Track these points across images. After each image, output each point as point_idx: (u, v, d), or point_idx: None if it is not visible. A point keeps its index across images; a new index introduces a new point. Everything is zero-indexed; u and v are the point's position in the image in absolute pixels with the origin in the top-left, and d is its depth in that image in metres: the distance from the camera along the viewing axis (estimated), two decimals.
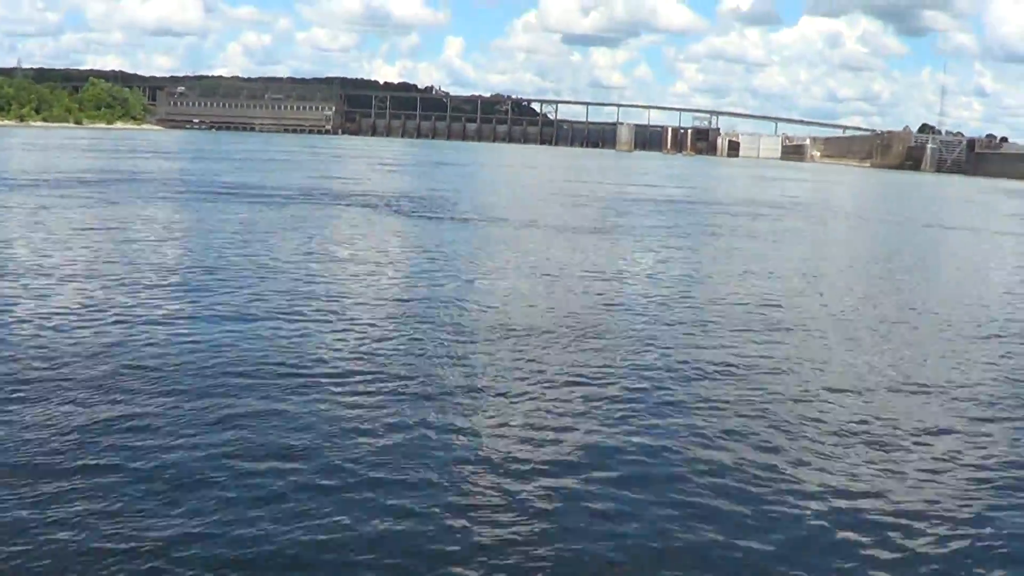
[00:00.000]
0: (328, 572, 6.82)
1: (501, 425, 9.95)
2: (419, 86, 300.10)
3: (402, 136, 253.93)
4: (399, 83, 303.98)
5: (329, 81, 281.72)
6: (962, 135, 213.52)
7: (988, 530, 8.00)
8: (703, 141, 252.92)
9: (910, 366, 13.68)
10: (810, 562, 7.30)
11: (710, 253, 27.51)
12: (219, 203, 35.36)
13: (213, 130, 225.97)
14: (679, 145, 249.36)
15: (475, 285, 18.81)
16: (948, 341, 15.76)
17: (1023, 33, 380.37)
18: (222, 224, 28.27)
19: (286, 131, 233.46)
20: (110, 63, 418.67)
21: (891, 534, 7.79)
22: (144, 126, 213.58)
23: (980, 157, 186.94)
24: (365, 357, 12.38)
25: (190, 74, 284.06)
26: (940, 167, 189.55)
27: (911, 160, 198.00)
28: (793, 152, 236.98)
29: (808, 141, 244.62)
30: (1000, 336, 16.35)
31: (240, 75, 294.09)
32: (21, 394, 10.11)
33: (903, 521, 8.03)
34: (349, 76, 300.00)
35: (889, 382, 12.59)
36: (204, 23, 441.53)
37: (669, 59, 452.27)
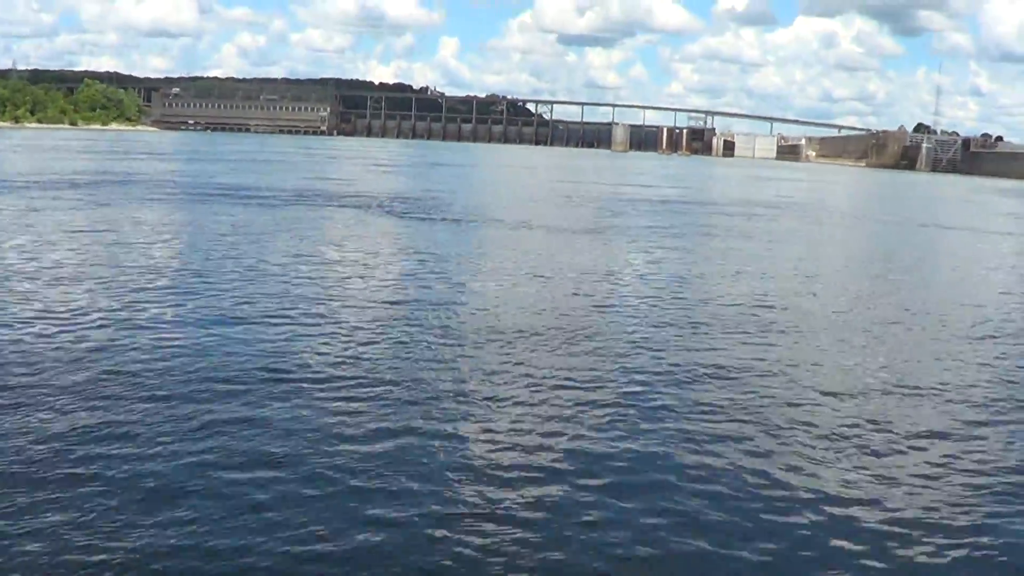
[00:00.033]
0: None
1: (487, 431, 9.77)
2: (414, 87, 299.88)
3: (397, 137, 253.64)
4: (394, 84, 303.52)
5: (324, 82, 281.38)
6: (957, 135, 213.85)
7: (986, 539, 7.81)
8: (698, 141, 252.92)
9: (905, 368, 13.51)
10: (802, 572, 7.14)
11: (704, 254, 27.35)
12: (210, 205, 35.15)
13: (208, 131, 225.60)
14: (674, 145, 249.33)
15: (466, 287, 18.64)
16: (943, 342, 15.60)
17: (1018, 33, 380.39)
18: (212, 226, 28.04)
19: (281, 132, 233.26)
20: (105, 64, 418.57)
21: (886, 543, 7.62)
22: (139, 127, 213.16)
23: (975, 156, 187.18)
24: (350, 361, 12.18)
25: (185, 75, 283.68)
26: (935, 167, 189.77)
27: (906, 160, 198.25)
28: (788, 152, 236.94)
29: (804, 141, 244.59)
30: (995, 337, 16.20)
31: (235, 76, 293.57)
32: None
33: (897, 529, 7.86)
34: (344, 77, 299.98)
35: (883, 385, 12.41)
36: (199, 24, 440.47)
37: (664, 59, 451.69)
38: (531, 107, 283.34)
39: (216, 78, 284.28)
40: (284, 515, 7.55)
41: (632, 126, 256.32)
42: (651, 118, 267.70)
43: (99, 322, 13.74)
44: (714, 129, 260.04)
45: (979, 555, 7.56)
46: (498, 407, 10.56)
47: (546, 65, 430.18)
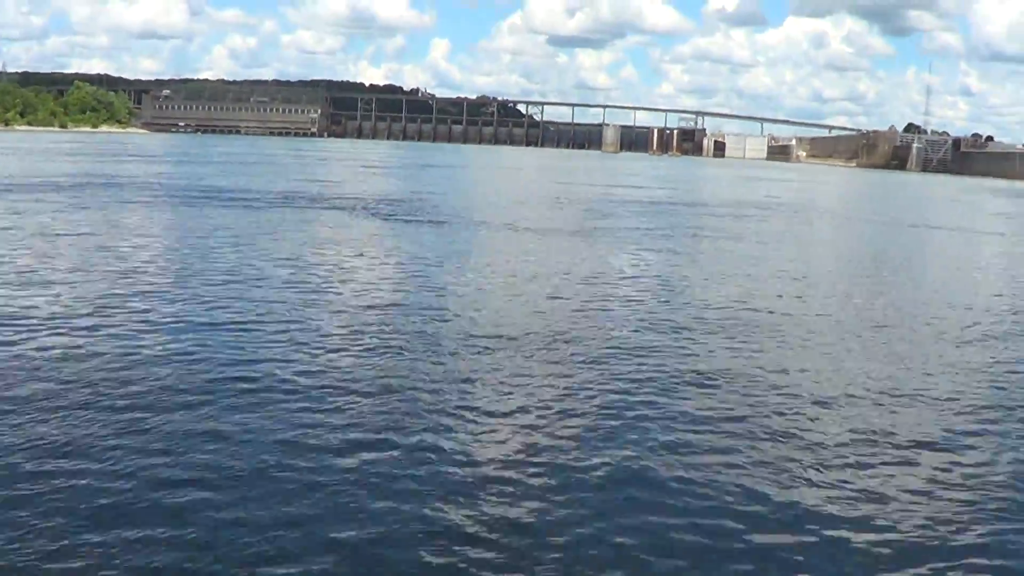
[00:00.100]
0: None
1: (462, 442, 9.34)
2: (405, 88, 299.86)
3: (388, 138, 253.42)
4: (385, 85, 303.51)
5: (315, 84, 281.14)
6: (948, 134, 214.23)
7: (983, 560, 7.43)
8: (689, 142, 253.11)
9: (894, 374, 13.14)
10: None
11: (692, 256, 27.02)
12: (193, 208, 34.73)
13: (199, 133, 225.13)
14: (665, 146, 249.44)
15: (447, 291, 18.23)
16: (933, 347, 15.26)
17: (1008, 32, 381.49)
18: (192, 230, 27.64)
19: (272, 134, 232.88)
20: (95, 66, 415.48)
21: (876, 563, 7.26)
22: (129, 129, 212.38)
23: (966, 156, 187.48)
24: (322, 370, 11.73)
25: (175, 77, 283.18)
26: (926, 166, 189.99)
27: (897, 160, 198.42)
28: (779, 152, 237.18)
29: (794, 141, 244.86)
30: (986, 340, 15.88)
31: (226, 78, 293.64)
32: None
33: (886, 550, 7.47)
34: (335, 78, 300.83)
35: (871, 392, 12.03)
36: (189, 26, 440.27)
37: (655, 60, 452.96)
38: (522, 108, 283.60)
39: (206, 80, 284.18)
40: (244, 535, 7.13)
41: (623, 127, 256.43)
42: (641, 119, 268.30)
43: (63, 329, 13.31)
44: (704, 130, 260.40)
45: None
46: (474, 416, 10.16)
47: (536, 66, 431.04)
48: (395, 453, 8.96)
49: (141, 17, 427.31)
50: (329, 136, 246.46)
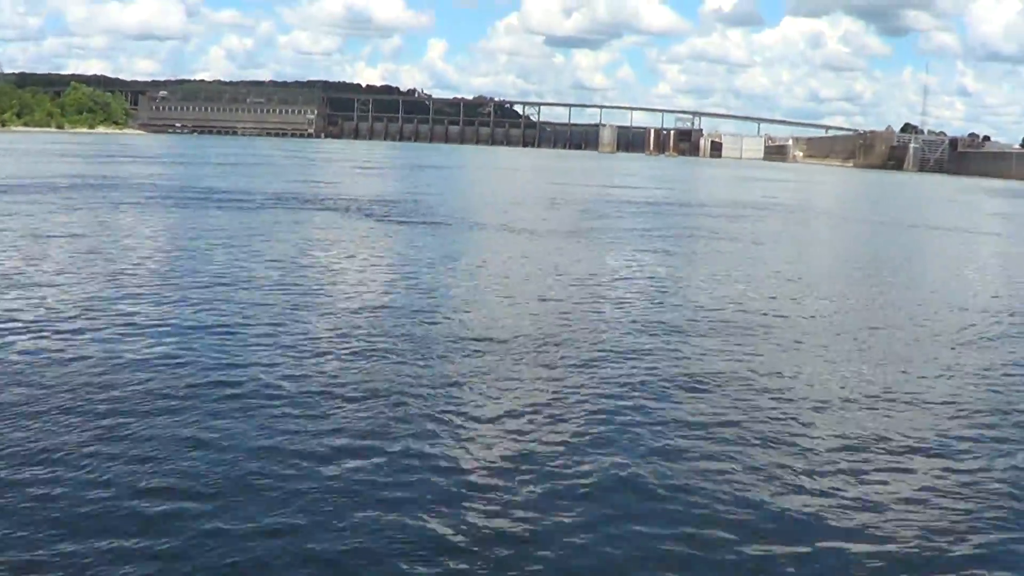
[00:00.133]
0: None
1: (450, 447, 9.14)
2: (401, 89, 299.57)
3: (385, 139, 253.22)
4: (381, 86, 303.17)
5: (311, 84, 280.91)
6: (944, 134, 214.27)
7: (980, 571, 7.28)
8: (686, 142, 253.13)
9: (890, 377, 12.94)
10: None
11: (688, 257, 26.86)
12: (185, 209, 34.54)
13: (195, 134, 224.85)
14: (662, 146, 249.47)
15: (437, 293, 18.03)
16: (930, 349, 15.08)
17: (1004, 32, 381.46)
18: (182, 231, 27.47)
19: (268, 135, 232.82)
20: (92, 67, 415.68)
21: (872, 574, 7.12)
22: (126, 130, 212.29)
23: (962, 156, 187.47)
24: (308, 375, 11.51)
25: (172, 78, 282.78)
26: (923, 166, 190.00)
27: (893, 160, 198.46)
28: (776, 152, 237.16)
29: (791, 141, 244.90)
30: (983, 342, 15.72)
31: (222, 79, 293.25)
32: None
33: (879, 562, 7.29)
34: (331, 79, 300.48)
35: (866, 396, 11.84)
36: (186, 27, 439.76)
37: (651, 60, 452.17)
38: (518, 109, 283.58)
39: (203, 81, 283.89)
40: (223, 546, 6.94)
41: (619, 127, 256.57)
42: (638, 119, 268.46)
43: (46, 332, 13.10)
44: (701, 130, 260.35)
45: None
46: (461, 422, 9.95)
47: (533, 67, 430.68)
48: (379, 460, 8.77)
49: (138, 18, 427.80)
50: (326, 137, 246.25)
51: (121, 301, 15.68)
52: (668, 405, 11.00)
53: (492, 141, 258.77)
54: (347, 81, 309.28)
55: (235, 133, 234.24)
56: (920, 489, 8.77)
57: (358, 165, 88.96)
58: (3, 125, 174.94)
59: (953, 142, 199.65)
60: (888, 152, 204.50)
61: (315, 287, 18.11)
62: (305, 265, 21.10)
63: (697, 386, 11.88)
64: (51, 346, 12.37)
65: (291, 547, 7.05)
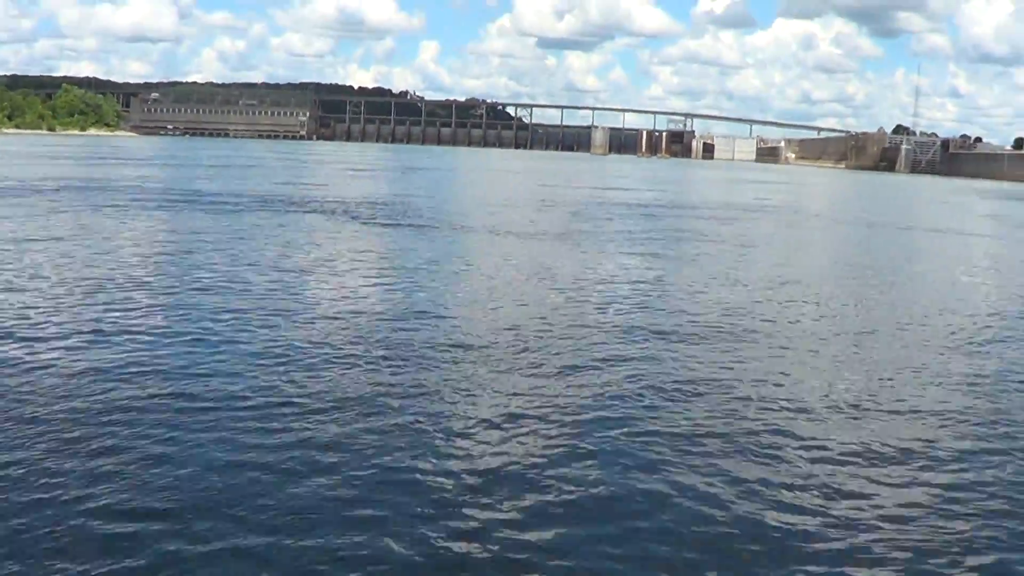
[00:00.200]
0: None
1: (431, 464, 8.74)
2: (394, 91, 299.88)
3: (377, 141, 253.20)
4: (374, 88, 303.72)
5: (303, 86, 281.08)
6: (936, 136, 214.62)
7: None
8: (678, 144, 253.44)
9: (881, 384, 12.60)
10: None
11: (678, 260, 26.52)
12: (173, 212, 34.16)
13: (187, 136, 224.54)
14: (654, 148, 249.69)
15: (423, 299, 17.60)
16: (922, 354, 14.73)
17: (996, 34, 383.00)
18: (167, 234, 27.13)
19: (260, 137, 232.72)
20: (84, 69, 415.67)
21: None
22: (118, 133, 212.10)
23: (954, 158, 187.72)
24: (282, 385, 11.10)
25: (164, 80, 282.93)
26: (915, 168, 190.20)
27: (886, 161, 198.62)
28: (768, 154, 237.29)
29: (783, 143, 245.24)
30: (975, 347, 15.40)
31: (214, 81, 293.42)
32: None
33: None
34: (324, 81, 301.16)
35: (858, 402, 11.49)
36: (178, 29, 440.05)
37: (644, 62, 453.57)
38: (511, 111, 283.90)
39: (195, 83, 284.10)
40: (187, 569, 6.62)
41: (612, 129, 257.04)
42: (631, 121, 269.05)
43: (3, 339, 12.71)
44: (694, 132, 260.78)
45: None
46: (439, 434, 9.56)
47: (525, 69, 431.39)
48: (347, 476, 8.39)
49: (130, 20, 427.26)
50: (318, 139, 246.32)
51: (89, 307, 15.26)
52: (652, 415, 10.65)
53: (484, 143, 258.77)
54: (339, 83, 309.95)
55: (227, 135, 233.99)
56: (911, 501, 8.44)
57: (349, 167, 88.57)
58: None
59: (945, 143, 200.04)
60: (880, 153, 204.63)
61: (292, 292, 17.70)
62: (284, 270, 20.66)
63: (682, 394, 11.53)
64: (9, 354, 11.96)
65: (253, 570, 6.71)
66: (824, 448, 9.76)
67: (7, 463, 8.29)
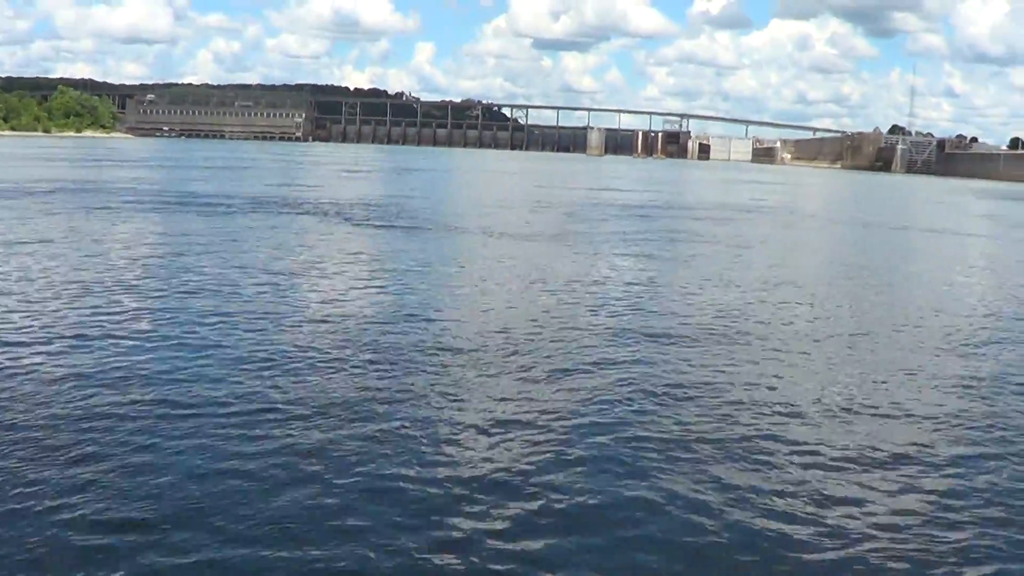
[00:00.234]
0: None
1: (420, 470, 8.56)
2: (389, 92, 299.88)
3: (372, 142, 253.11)
4: (369, 89, 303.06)
5: (299, 88, 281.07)
6: (932, 136, 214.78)
7: None
8: (674, 144, 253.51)
9: (875, 385, 12.43)
10: None
11: (672, 262, 26.37)
12: (165, 213, 33.99)
13: (183, 138, 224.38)
14: (650, 149, 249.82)
15: (413, 302, 17.43)
16: (914, 356, 14.58)
17: (991, 34, 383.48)
18: (158, 236, 26.96)
19: (256, 138, 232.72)
20: (79, 71, 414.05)
21: None
22: (113, 134, 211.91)
23: (950, 158, 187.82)
24: (267, 391, 10.90)
25: (160, 82, 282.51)
26: (910, 168, 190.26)
27: (881, 161, 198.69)
28: (764, 155, 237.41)
29: (779, 143, 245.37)
30: (970, 348, 15.24)
31: (210, 82, 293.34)
32: None
33: None
34: (319, 83, 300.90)
35: (852, 405, 11.33)
36: (173, 31, 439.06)
37: (640, 63, 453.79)
38: (506, 112, 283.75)
39: (191, 84, 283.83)
40: None
41: (607, 130, 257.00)
42: (626, 122, 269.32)
43: None
44: (689, 132, 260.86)
45: None
46: (427, 440, 9.38)
47: (521, 70, 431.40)
48: (333, 484, 8.22)
49: (125, 22, 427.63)
50: (314, 140, 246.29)
51: (74, 311, 15.07)
52: (642, 419, 10.47)
53: (480, 144, 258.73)
54: (335, 84, 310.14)
55: (223, 137, 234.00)
56: (905, 507, 8.26)
57: (343, 168, 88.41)
58: None
59: (941, 143, 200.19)
60: (876, 154, 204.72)
61: (280, 296, 17.50)
62: (274, 272, 20.43)
63: (673, 399, 11.36)
64: None
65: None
66: (817, 453, 9.59)
67: None
